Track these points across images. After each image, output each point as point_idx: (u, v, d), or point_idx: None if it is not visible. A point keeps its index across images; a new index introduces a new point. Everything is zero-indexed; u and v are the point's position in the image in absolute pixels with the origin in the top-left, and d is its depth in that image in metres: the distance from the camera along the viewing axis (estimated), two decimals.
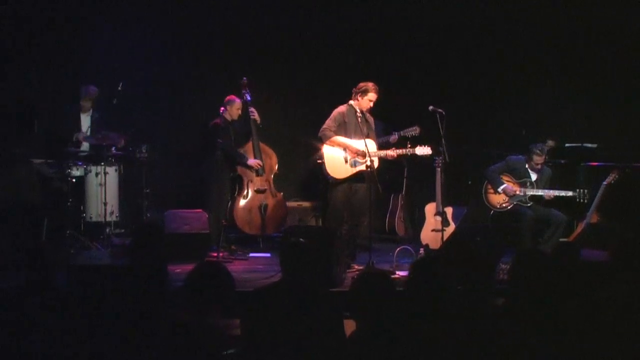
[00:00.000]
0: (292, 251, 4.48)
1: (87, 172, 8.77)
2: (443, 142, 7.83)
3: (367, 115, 7.99)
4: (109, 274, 5.74)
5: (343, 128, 7.88)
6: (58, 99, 9.41)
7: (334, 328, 4.24)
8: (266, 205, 9.15)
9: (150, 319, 3.95)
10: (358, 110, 7.89)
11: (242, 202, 9.17)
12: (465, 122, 9.87)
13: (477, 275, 4.10)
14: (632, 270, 4.27)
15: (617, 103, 9.95)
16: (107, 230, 8.80)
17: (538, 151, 8.57)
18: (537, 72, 10.30)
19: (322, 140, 7.91)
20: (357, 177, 7.89)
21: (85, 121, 9.09)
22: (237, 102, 9.01)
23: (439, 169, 8.41)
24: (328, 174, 7.90)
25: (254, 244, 9.27)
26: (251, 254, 8.85)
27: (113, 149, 8.96)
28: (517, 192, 8.61)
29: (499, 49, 10.34)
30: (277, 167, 9.42)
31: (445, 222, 8.46)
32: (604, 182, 8.69)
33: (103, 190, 8.68)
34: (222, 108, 9.02)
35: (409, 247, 8.22)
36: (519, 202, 8.64)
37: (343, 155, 7.86)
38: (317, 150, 8.10)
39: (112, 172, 8.90)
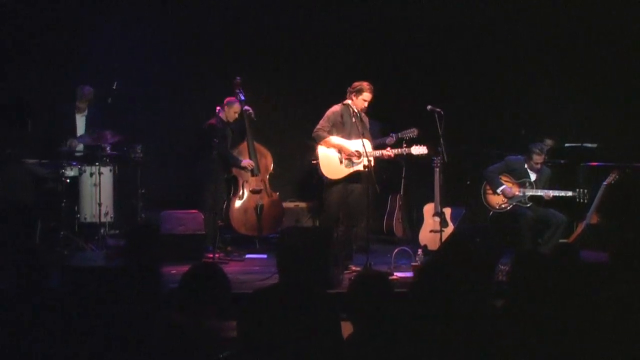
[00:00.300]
0: (289, 253, 4.45)
1: (81, 172, 8.74)
2: (441, 141, 7.81)
3: (362, 115, 7.91)
4: (104, 276, 5.68)
5: (338, 128, 7.81)
6: (52, 98, 9.39)
7: (331, 330, 4.17)
8: (262, 206, 9.10)
9: (145, 320, 3.89)
10: (352, 111, 7.81)
11: (238, 202, 9.12)
12: (464, 122, 9.87)
13: (476, 277, 4.07)
14: (632, 271, 4.23)
15: (617, 103, 9.95)
16: (102, 231, 8.77)
17: (537, 150, 8.53)
18: (537, 72, 10.30)
19: (316, 141, 7.83)
20: (353, 177, 7.82)
21: (80, 122, 9.08)
22: (237, 105, 8.99)
23: (437, 169, 8.41)
24: (323, 175, 7.83)
25: (250, 245, 9.24)
26: (247, 255, 8.82)
27: (108, 148, 8.93)
28: (516, 194, 8.56)
29: (498, 48, 10.35)
30: (272, 166, 9.38)
31: (443, 223, 8.46)
32: (604, 183, 8.67)
33: (97, 190, 8.65)
34: (218, 108, 8.99)
35: (407, 248, 8.18)
36: (518, 203, 8.60)
37: (338, 155, 7.80)
38: (312, 150, 8.03)
39: (106, 172, 8.88)
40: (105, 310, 4.06)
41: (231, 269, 7.80)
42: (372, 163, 7.67)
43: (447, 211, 8.65)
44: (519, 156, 8.76)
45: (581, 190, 8.45)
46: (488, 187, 8.79)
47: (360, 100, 7.77)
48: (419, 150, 7.87)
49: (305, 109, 10.01)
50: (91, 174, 8.73)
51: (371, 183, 7.62)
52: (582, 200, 8.44)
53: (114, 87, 8.84)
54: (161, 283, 4.55)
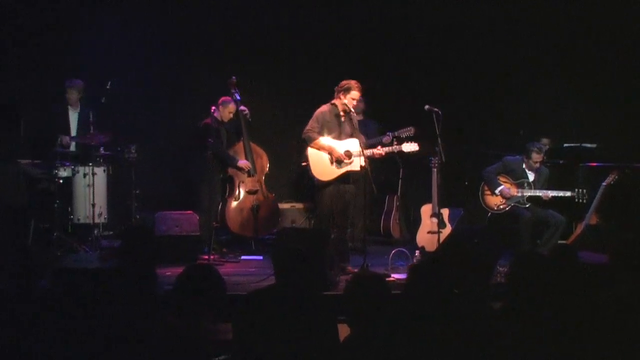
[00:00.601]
0: (285, 254, 4.44)
1: (74, 173, 8.69)
2: (439, 141, 7.76)
3: (351, 114, 7.83)
4: (97, 277, 5.68)
5: (326, 128, 7.73)
6: (45, 98, 9.33)
7: (328, 332, 4.22)
8: (258, 206, 9.03)
9: (140, 323, 3.87)
10: (341, 110, 7.74)
11: (234, 203, 9.06)
12: (463, 122, 9.92)
13: (475, 278, 4.06)
14: (631, 272, 4.25)
15: (617, 103, 9.96)
16: (96, 232, 8.70)
17: (536, 149, 8.50)
18: (537, 72, 10.31)
19: (306, 142, 7.75)
20: (345, 178, 7.75)
21: (73, 118, 9.02)
22: (231, 105, 8.94)
23: (435, 170, 8.35)
24: (314, 177, 7.75)
25: (246, 246, 9.16)
26: (243, 257, 8.77)
27: (101, 148, 8.89)
28: (515, 194, 8.52)
29: (498, 48, 10.35)
30: (268, 166, 9.32)
31: (441, 224, 8.40)
32: (604, 183, 8.67)
33: (91, 191, 8.58)
34: (213, 107, 8.94)
35: (405, 250, 8.14)
36: (516, 204, 8.56)
37: (329, 156, 7.72)
38: (302, 152, 7.97)
39: (100, 173, 8.81)
40: (99, 312, 4.05)
41: (227, 270, 7.73)
42: (364, 163, 7.60)
43: (445, 212, 8.60)
44: (517, 156, 8.73)
45: (580, 190, 8.42)
46: (486, 188, 8.75)
47: (349, 99, 7.69)
48: (410, 147, 7.82)
49: (302, 109, 9.92)
50: (85, 175, 8.67)
51: (368, 183, 7.55)
52: (581, 201, 8.42)
53: (108, 87, 8.78)
54: (156, 285, 4.54)
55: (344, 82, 7.75)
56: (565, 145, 9.71)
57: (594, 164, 9.25)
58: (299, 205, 10.15)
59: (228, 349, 4.04)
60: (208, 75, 10.05)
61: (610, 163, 8.99)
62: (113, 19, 9.81)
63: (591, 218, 8.63)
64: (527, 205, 8.53)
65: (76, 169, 8.68)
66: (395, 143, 8.02)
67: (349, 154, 7.64)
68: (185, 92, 10.15)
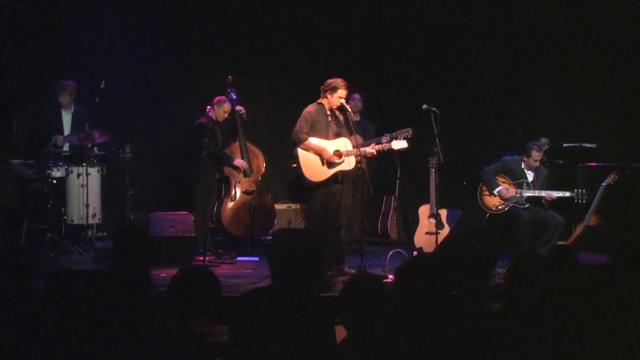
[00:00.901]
0: (281, 255, 4.41)
1: (68, 173, 8.67)
2: (437, 141, 7.71)
3: (337, 112, 7.77)
4: (91, 278, 5.61)
5: (313, 128, 7.67)
6: (38, 99, 9.33)
7: (325, 334, 4.21)
8: (254, 207, 8.96)
9: (134, 325, 3.83)
10: (327, 109, 7.68)
11: (230, 203, 9.02)
12: (462, 121, 9.95)
13: (473, 279, 4.03)
14: (631, 272, 4.23)
15: (617, 103, 9.97)
16: (89, 233, 8.69)
17: (537, 147, 8.49)
18: (536, 72, 10.31)
19: (296, 143, 7.68)
20: (336, 178, 7.69)
21: (67, 119, 9.00)
22: (226, 105, 8.92)
23: (433, 170, 8.36)
24: (305, 178, 7.67)
25: (242, 247, 9.11)
26: (239, 258, 8.73)
27: (95, 148, 8.87)
28: (513, 195, 8.48)
29: (498, 48, 10.36)
30: (264, 167, 9.29)
31: (439, 225, 8.41)
32: (603, 183, 8.69)
33: (85, 191, 8.59)
34: (209, 107, 8.92)
35: (402, 251, 8.13)
36: (515, 204, 8.53)
37: (319, 156, 7.65)
38: (292, 152, 7.91)
39: (94, 173, 8.80)
40: (93, 314, 4.01)
41: (222, 271, 7.72)
42: (353, 162, 7.58)
43: (443, 213, 8.61)
44: (516, 156, 8.71)
45: (580, 191, 8.42)
46: (485, 188, 8.71)
47: (336, 97, 7.62)
48: (399, 144, 7.78)
49: (299, 108, 9.87)
50: (78, 175, 8.65)
51: (365, 184, 7.48)
52: (580, 201, 8.42)
53: (102, 86, 8.77)
54: (150, 286, 4.56)
55: (329, 80, 7.67)
56: (565, 145, 9.72)
57: (594, 164, 9.26)
58: (296, 206, 10.13)
59: (223, 351, 4.00)
60: (204, 74, 10.04)
61: (610, 163, 9.00)
62: (109, 19, 9.79)
63: (591, 219, 8.64)
64: (526, 206, 8.50)
65: (70, 169, 8.66)
66: (386, 141, 7.95)
67: (338, 154, 7.60)
68: (181, 91, 10.12)
